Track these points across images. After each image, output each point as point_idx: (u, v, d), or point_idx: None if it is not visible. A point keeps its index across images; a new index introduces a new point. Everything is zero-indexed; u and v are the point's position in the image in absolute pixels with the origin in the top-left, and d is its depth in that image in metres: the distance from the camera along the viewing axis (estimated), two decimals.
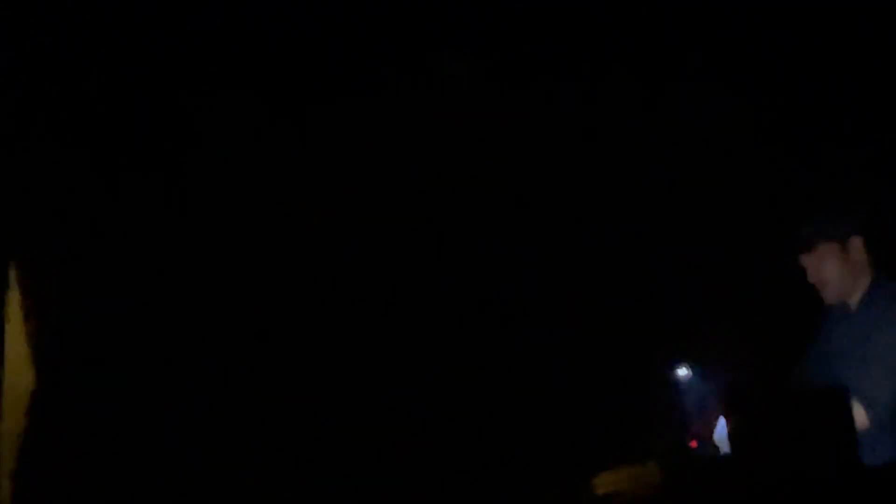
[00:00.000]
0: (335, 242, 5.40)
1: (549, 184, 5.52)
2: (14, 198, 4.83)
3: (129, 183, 5.10)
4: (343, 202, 5.41)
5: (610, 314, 5.41)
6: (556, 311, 5.43)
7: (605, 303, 5.42)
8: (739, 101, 5.44)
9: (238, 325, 5.25)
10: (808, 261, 4.56)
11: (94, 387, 4.90)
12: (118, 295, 5.00)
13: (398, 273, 5.45)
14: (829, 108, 5.35)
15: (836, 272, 4.53)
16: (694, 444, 4.50)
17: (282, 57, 5.35)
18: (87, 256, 4.98)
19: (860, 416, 4.31)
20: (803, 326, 4.70)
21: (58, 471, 4.71)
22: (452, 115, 5.41)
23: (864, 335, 4.43)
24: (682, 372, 4.72)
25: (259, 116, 5.34)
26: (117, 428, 4.89)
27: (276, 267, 5.35)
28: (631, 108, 5.49)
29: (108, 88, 5.13)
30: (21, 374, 4.49)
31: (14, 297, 4.60)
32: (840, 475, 3.87)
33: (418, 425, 5.33)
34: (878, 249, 4.58)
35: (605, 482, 4.31)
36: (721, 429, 4.45)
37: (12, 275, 4.63)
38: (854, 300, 4.56)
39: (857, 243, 4.54)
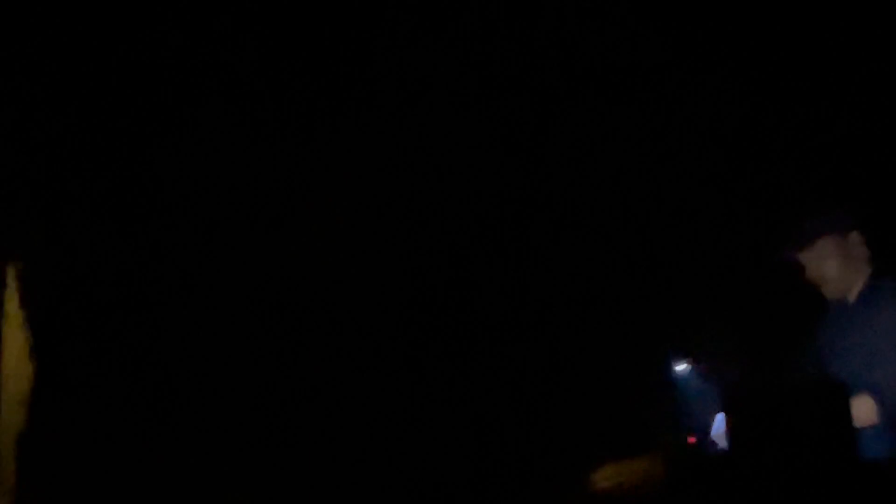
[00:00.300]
0: (332, 242, 5.40)
1: (546, 182, 5.52)
2: (11, 196, 4.83)
3: (127, 181, 5.10)
4: (341, 203, 5.41)
5: (609, 310, 5.41)
6: (555, 307, 5.43)
7: (604, 299, 5.42)
8: (736, 99, 5.43)
9: (235, 323, 5.24)
10: (807, 256, 4.56)
11: (93, 384, 4.90)
12: (116, 293, 5.00)
13: (395, 273, 5.45)
14: (828, 103, 5.35)
15: (836, 267, 4.54)
16: (693, 439, 4.51)
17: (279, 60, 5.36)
18: (85, 254, 4.98)
19: (869, 410, 4.31)
20: (802, 322, 4.70)
21: (57, 468, 4.71)
22: (449, 115, 5.43)
23: (867, 329, 4.44)
24: (681, 367, 4.73)
25: (257, 117, 5.34)
26: (115, 425, 4.89)
27: (274, 266, 5.34)
28: (628, 104, 5.49)
29: (104, 86, 5.13)
30: (19, 371, 4.49)
31: (12, 295, 4.60)
32: (839, 470, 3.86)
33: (417, 424, 5.33)
34: (876, 244, 4.58)
35: (605, 476, 4.31)
36: (719, 424, 4.46)
37: (10, 272, 4.63)
38: (853, 295, 4.56)
39: (855, 238, 4.55)
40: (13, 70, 4.94)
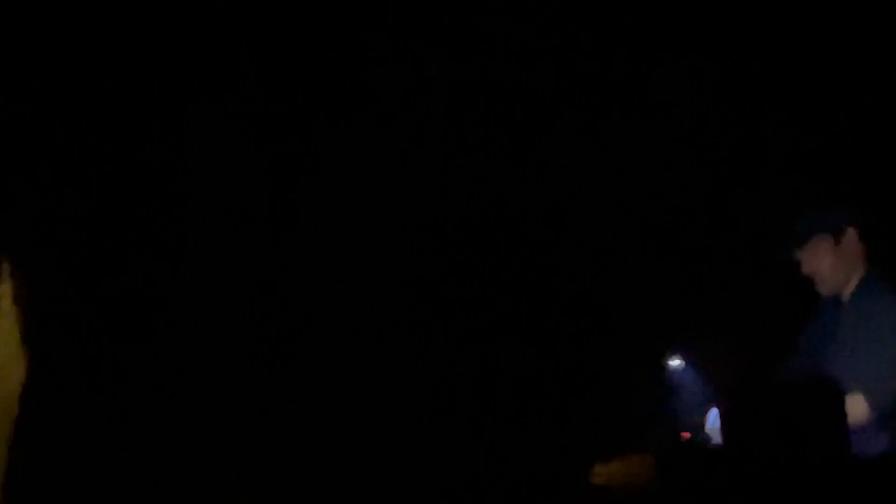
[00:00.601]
0: (332, 242, 5.40)
1: (539, 179, 5.52)
2: (4, 192, 4.81)
3: (122, 177, 5.09)
4: (341, 203, 5.41)
5: (602, 307, 5.41)
6: (549, 305, 5.44)
7: (598, 296, 5.42)
8: (731, 98, 5.44)
9: (232, 322, 5.24)
10: (802, 254, 4.57)
11: (86, 381, 4.89)
12: (109, 289, 4.99)
13: (394, 272, 5.45)
14: (824, 102, 5.35)
15: (830, 264, 4.54)
16: (686, 435, 4.52)
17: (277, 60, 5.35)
18: (79, 250, 4.96)
19: (862, 408, 4.32)
20: (795, 318, 4.70)
21: (49, 466, 4.70)
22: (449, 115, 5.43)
23: (861, 327, 4.45)
24: (675, 363, 4.73)
25: (256, 116, 5.34)
26: (108, 423, 4.88)
27: (271, 265, 5.34)
28: (623, 101, 5.49)
29: (97, 79, 5.12)
30: (11, 368, 4.48)
31: (5, 292, 4.59)
32: (832, 468, 3.87)
33: (414, 423, 5.33)
34: (871, 241, 4.59)
35: (599, 473, 4.32)
36: (713, 420, 4.47)
37: (3, 269, 4.62)
38: (847, 292, 4.57)
39: (850, 236, 4.56)
40: (6, 65, 4.93)
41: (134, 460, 4.85)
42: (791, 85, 5.39)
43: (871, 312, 4.42)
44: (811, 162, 5.30)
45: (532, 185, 5.49)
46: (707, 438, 4.45)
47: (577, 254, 5.42)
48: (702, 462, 4.15)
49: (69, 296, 4.90)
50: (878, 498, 3.86)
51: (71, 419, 4.81)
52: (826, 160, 5.26)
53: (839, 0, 5.28)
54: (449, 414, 5.31)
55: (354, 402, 5.29)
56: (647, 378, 4.73)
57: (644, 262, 5.41)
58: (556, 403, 5.32)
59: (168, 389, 5.02)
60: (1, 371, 4.52)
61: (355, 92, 5.42)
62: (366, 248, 5.40)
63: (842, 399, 3.97)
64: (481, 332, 5.39)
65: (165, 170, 5.20)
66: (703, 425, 4.50)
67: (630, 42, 5.45)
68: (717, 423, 4.27)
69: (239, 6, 5.25)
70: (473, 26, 5.43)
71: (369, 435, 5.27)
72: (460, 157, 5.48)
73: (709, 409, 4.49)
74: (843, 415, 3.95)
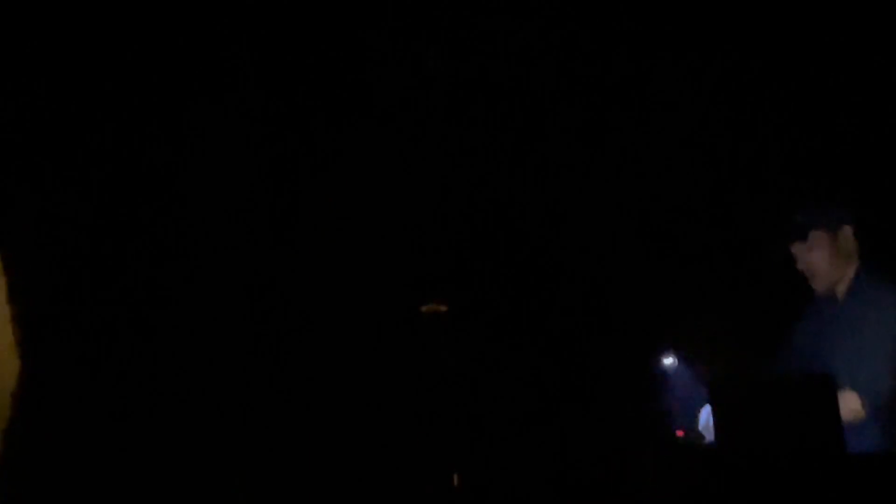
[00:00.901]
0: (331, 243, 5.40)
1: (541, 181, 5.52)
2: (3, 191, 4.83)
3: (118, 176, 5.10)
4: (340, 203, 5.42)
5: (597, 305, 5.41)
6: (546, 303, 5.43)
7: (592, 294, 5.42)
8: (733, 97, 5.43)
9: (228, 322, 5.24)
10: (799, 248, 4.56)
11: (81, 380, 4.90)
12: (105, 288, 5.00)
13: (393, 273, 5.46)
14: (823, 98, 5.35)
15: (827, 260, 4.54)
16: (680, 433, 4.51)
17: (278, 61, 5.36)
18: (75, 249, 4.98)
19: (855, 405, 4.31)
20: (789, 316, 4.69)
21: (44, 464, 4.71)
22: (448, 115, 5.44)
23: (854, 324, 4.44)
24: (668, 361, 4.72)
25: (256, 118, 5.35)
26: (103, 422, 4.89)
27: (271, 265, 5.35)
28: (623, 101, 5.49)
29: (97, 83, 5.14)
30: (6, 367, 4.49)
31: (0, 286, 4.60)
32: (825, 464, 3.86)
33: (414, 423, 5.34)
34: (866, 238, 4.58)
35: None
36: (707, 418, 4.45)
37: None
38: (841, 289, 4.56)
39: (847, 232, 4.55)
40: (6, 65, 4.95)
41: (127, 458, 4.86)
42: (791, 85, 5.38)
43: (865, 310, 4.41)
44: (807, 161, 5.29)
45: (532, 185, 5.49)
46: (701, 436, 4.44)
47: (574, 252, 5.42)
48: (695, 460, 4.15)
49: (66, 293, 4.92)
50: (871, 495, 3.85)
51: (66, 417, 4.82)
52: (822, 159, 5.25)
53: (839, 0, 5.27)
54: (448, 414, 5.30)
55: (354, 402, 5.29)
56: (641, 376, 4.72)
57: (638, 260, 5.40)
58: (551, 402, 5.31)
59: (167, 389, 5.03)
60: None
61: (355, 92, 5.43)
62: (366, 248, 5.41)
63: (835, 396, 3.96)
64: (480, 332, 5.40)
65: (166, 170, 5.21)
66: (696, 423, 4.49)
67: (630, 42, 5.45)
68: (711, 422, 4.27)
69: (239, 6, 5.27)
70: (473, 26, 5.43)
71: (369, 435, 5.27)
72: (460, 157, 5.48)
73: (702, 406, 4.48)
74: (837, 412, 3.94)
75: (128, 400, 4.95)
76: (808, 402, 3.95)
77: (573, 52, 5.45)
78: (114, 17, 5.10)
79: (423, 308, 5.23)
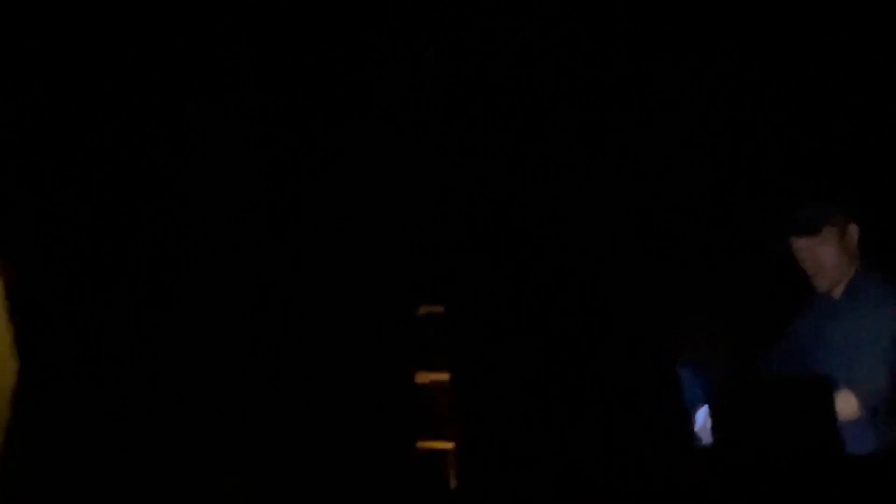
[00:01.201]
0: (331, 243, 5.41)
1: (541, 181, 5.52)
2: (1, 190, 4.84)
3: (115, 176, 5.11)
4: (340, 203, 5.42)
5: (596, 306, 5.40)
6: (545, 304, 5.43)
7: (591, 295, 5.41)
8: (733, 97, 5.43)
9: (232, 321, 5.25)
10: (807, 244, 4.55)
11: (80, 376, 4.91)
12: (102, 288, 5.01)
13: (393, 273, 5.46)
14: (822, 103, 5.34)
15: (834, 257, 4.54)
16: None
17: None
18: (72, 248, 4.99)
19: (852, 405, 4.31)
20: (786, 316, 4.70)
21: (41, 465, 4.72)
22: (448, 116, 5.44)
23: (852, 325, 4.44)
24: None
25: (256, 118, 5.36)
26: (101, 422, 4.90)
27: (271, 265, 5.35)
28: (623, 101, 5.49)
29: (97, 83, 5.14)
30: (3, 366, 4.49)
31: None
32: (822, 464, 3.87)
33: (414, 423, 5.34)
34: (864, 238, 4.59)
35: None
36: (703, 418, 4.46)
37: None
38: (839, 289, 4.56)
39: (853, 230, 4.56)
40: (6, 65, 4.96)
41: (125, 458, 4.86)
42: (791, 85, 5.38)
43: (863, 310, 4.42)
44: (809, 161, 5.28)
45: (531, 185, 5.49)
46: (697, 437, 4.44)
47: (573, 253, 5.42)
48: (691, 461, 4.15)
49: (65, 293, 4.93)
50: (868, 496, 3.85)
51: (65, 417, 4.83)
52: (824, 159, 5.25)
53: (839, 0, 5.27)
54: (448, 415, 5.31)
55: (355, 402, 5.29)
56: (641, 376, 4.71)
57: (637, 260, 5.40)
58: (550, 403, 5.30)
59: (166, 389, 5.04)
60: None
61: (355, 92, 5.43)
62: (366, 248, 5.41)
63: (832, 397, 3.96)
64: (480, 332, 5.39)
65: (165, 170, 5.22)
66: (693, 423, 4.49)
67: (630, 42, 5.45)
68: (708, 422, 4.27)
69: (239, 6, 5.27)
70: (473, 26, 5.44)
71: (369, 435, 5.28)
72: (460, 157, 5.48)
73: (699, 407, 4.48)
74: (833, 413, 3.95)
75: (127, 400, 4.95)
76: (805, 402, 3.96)
77: (573, 52, 5.45)
78: (113, 17, 5.11)
79: (420, 310, 5.24)
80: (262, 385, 5.23)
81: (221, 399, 5.10)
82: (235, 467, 5.07)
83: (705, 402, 4.41)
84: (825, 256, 4.54)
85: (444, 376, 5.28)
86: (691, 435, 4.42)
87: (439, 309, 5.34)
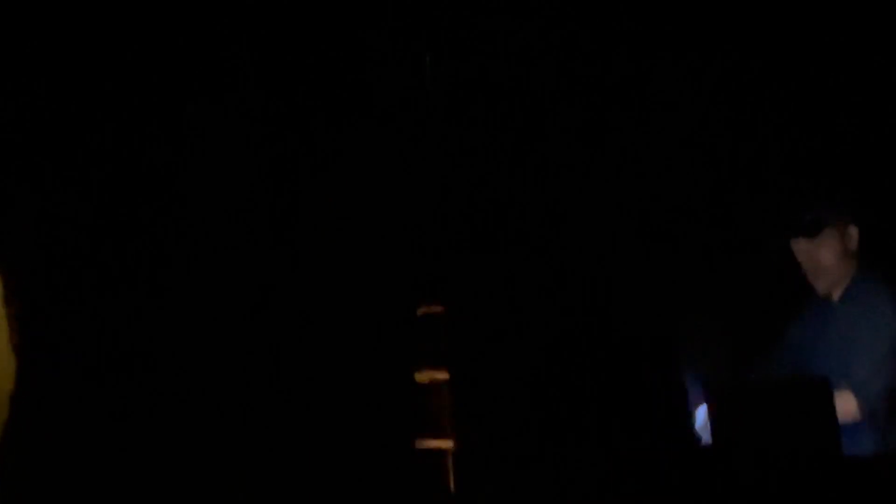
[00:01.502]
0: (331, 243, 5.40)
1: (541, 181, 5.52)
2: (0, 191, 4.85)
3: (114, 177, 5.11)
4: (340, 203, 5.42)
5: (595, 307, 5.40)
6: (544, 304, 5.43)
7: (590, 296, 5.41)
8: (733, 97, 5.43)
9: (232, 321, 5.24)
10: (807, 245, 4.55)
11: (79, 376, 4.91)
12: (101, 289, 5.01)
13: (393, 273, 5.45)
14: (822, 103, 5.34)
15: (835, 259, 4.54)
16: None
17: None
18: (71, 249, 4.98)
19: (851, 406, 4.32)
20: (785, 317, 4.70)
21: (42, 460, 4.72)
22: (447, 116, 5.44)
23: (850, 326, 4.45)
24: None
25: (256, 118, 5.35)
26: (100, 423, 4.90)
27: (271, 265, 5.35)
28: (623, 101, 5.49)
29: (96, 83, 5.14)
30: (2, 368, 4.49)
31: None
32: (821, 466, 3.87)
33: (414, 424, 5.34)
34: (863, 240, 4.59)
35: None
36: (702, 418, 4.46)
37: None
38: (838, 291, 4.56)
39: (853, 232, 4.56)
40: (6, 65, 4.96)
41: (124, 460, 4.86)
42: (791, 86, 5.38)
43: (862, 311, 4.43)
44: (810, 162, 5.28)
45: (531, 185, 5.49)
46: (696, 437, 4.44)
47: (573, 253, 5.42)
48: (690, 461, 4.15)
49: (64, 292, 4.92)
50: (867, 496, 3.85)
51: (64, 417, 4.83)
52: (824, 161, 5.25)
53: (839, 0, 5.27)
54: (447, 414, 5.30)
55: (354, 401, 5.29)
56: (641, 377, 4.71)
57: (637, 260, 5.40)
58: (549, 403, 5.30)
59: (166, 389, 5.03)
60: None
61: (355, 92, 5.43)
62: (366, 248, 5.41)
63: (831, 398, 3.96)
64: (479, 332, 5.39)
65: (165, 170, 5.22)
66: (692, 423, 4.49)
67: (630, 42, 5.44)
68: (706, 422, 4.27)
69: (239, 6, 5.27)
70: (473, 26, 5.43)
71: (369, 434, 5.28)
72: (460, 157, 5.48)
73: (698, 406, 4.48)
74: (833, 414, 3.94)
75: (127, 400, 4.95)
76: (805, 403, 3.96)
77: (573, 52, 5.45)
78: (113, 17, 5.10)
79: (420, 309, 5.24)
80: (261, 384, 5.22)
81: (221, 398, 5.09)
82: (235, 467, 5.07)
83: (704, 403, 4.41)
84: (825, 258, 4.54)
85: (443, 375, 5.27)
86: (691, 434, 4.41)
87: (438, 309, 5.33)
